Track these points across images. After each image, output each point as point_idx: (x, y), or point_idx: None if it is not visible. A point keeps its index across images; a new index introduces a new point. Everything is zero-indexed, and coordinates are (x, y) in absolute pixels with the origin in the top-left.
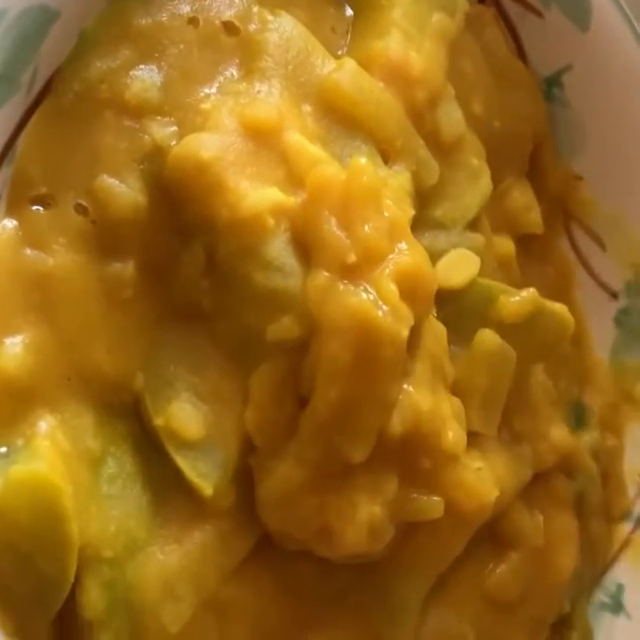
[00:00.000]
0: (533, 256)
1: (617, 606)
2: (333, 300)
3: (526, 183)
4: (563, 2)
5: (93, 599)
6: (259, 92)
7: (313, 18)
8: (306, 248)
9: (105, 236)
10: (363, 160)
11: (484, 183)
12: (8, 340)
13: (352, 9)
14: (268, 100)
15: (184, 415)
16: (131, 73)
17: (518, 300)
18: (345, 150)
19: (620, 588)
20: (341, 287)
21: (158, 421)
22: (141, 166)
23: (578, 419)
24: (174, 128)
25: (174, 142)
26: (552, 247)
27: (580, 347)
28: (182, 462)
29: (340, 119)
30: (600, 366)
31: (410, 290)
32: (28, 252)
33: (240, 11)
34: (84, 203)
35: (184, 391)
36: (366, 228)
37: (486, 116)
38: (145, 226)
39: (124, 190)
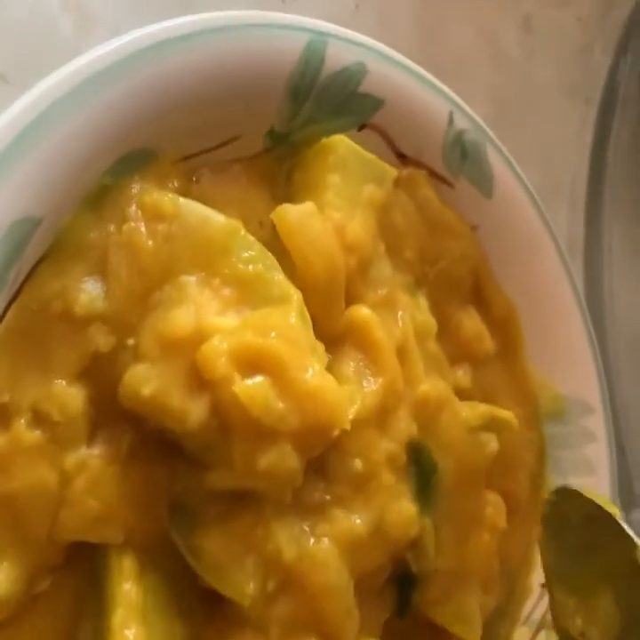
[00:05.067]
0: None
1: None
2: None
3: (472, 311)
4: (470, 174)
5: None
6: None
7: (243, 215)
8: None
9: (61, 434)
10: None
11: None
12: None
13: (288, 189)
14: (183, 312)
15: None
16: (80, 286)
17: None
18: None
19: None
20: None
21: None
22: (88, 368)
23: None
24: (113, 336)
25: (110, 349)
26: None
27: None
28: None
29: None
30: None
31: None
32: None
33: None
34: (41, 408)
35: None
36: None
37: (419, 262)
38: (92, 417)
39: (73, 392)
